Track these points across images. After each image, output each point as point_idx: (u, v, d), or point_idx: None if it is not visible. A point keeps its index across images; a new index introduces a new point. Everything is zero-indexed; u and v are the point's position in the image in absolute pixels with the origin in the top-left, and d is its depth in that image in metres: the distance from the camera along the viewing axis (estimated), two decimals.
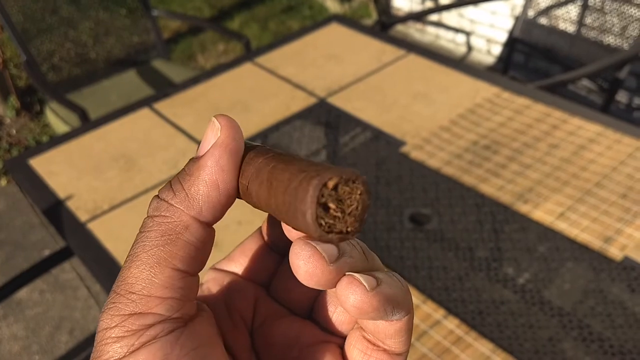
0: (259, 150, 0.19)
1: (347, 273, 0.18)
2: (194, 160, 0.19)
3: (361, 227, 0.17)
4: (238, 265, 0.24)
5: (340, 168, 0.17)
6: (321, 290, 0.22)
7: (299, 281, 0.22)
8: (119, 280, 0.18)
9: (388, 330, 0.19)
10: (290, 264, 0.18)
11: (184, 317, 0.18)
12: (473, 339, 0.72)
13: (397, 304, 0.18)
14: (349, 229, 0.17)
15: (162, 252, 0.18)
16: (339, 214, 0.17)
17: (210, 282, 0.23)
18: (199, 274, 0.20)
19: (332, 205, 0.17)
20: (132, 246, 0.18)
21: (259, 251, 0.24)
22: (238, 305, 0.22)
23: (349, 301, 0.17)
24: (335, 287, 0.18)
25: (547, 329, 0.75)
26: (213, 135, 0.19)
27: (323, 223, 0.17)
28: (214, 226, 0.20)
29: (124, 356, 0.17)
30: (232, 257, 0.24)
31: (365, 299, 0.17)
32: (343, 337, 0.22)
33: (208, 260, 0.20)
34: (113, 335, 0.17)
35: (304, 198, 0.16)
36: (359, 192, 0.17)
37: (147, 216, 0.19)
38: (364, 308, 0.17)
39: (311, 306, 0.23)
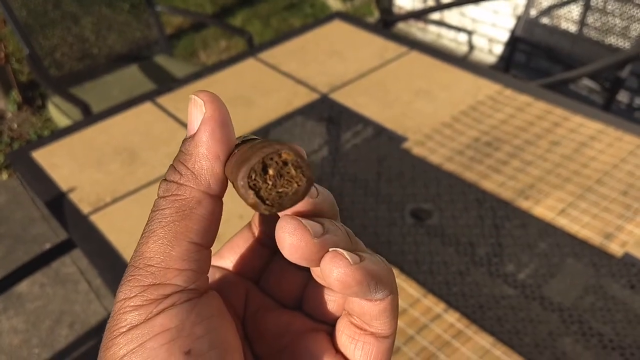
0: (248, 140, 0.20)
1: (331, 249, 0.18)
2: (189, 140, 0.20)
3: (281, 209, 0.18)
4: (227, 262, 0.24)
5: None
6: (309, 281, 0.23)
7: (288, 273, 0.23)
8: (137, 255, 0.19)
9: (373, 310, 0.20)
10: (277, 239, 0.18)
11: (199, 289, 0.19)
12: (473, 333, 0.73)
13: (380, 280, 0.19)
14: (267, 201, 0.18)
15: (179, 226, 0.19)
16: (269, 183, 0.18)
17: None
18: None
19: (271, 172, 0.18)
20: (147, 224, 0.19)
21: (248, 246, 0.24)
22: (230, 298, 0.23)
23: (332, 274, 0.18)
24: (319, 264, 0.18)
25: (547, 323, 0.75)
26: (198, 111, 0.19)
27: (253, 177, 0.18)
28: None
29: (142, 322, 0.18)
30: (222, 253, 0.25)
31: (349, 271, 0.18)
32: (332, 325, 0.22)
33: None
34: (132, 304, 0.18)
35: (253, 154, 0.18)
36: (297, 183, 0.18)
37: (159, 197, 0.19)
38: (347, 281, 0.18)
39: (300, 298, 0.23)
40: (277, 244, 0.19)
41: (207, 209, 0.19)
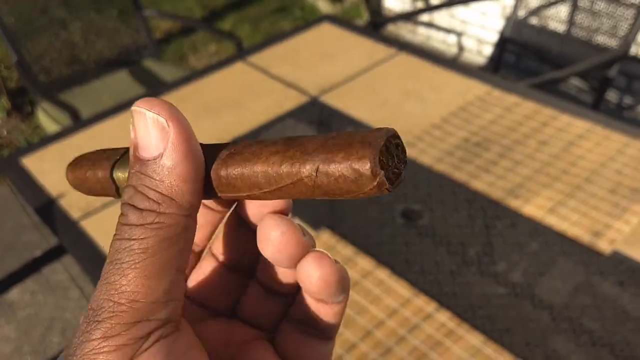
0: (213, 146, 0.19)
1: (312, 249, 0.19)
2: (153, 162, 0.17)
3: (394, 189, 0.17)
4: None
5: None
6: (244, 287, 0.22)
7: (217, 279, 0.22)
8: (114, 289, 0.17)
9: (329, 313, 0.20)
10: (264, 237, 0.18)
11: (177, 320, 0.18)
12: (464, 332, 0.73)
13: (344, 282, 0.19)
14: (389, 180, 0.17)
15: (165, 256, 0.17)
16: (390, 164, 0.17)
17: None
18: None
19: (390, 153, 0.17)
20: (116, 253, 0.17)
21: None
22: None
23: (316, 274, 0.18)
24: (295, 263, 0.18)
25: (538, 322, 0.75)
26: (158, 129, 0.17)
27: (380, 158, 0.17)
28: None
29: None
30: None
31: (333, 271, 0.18)
32: (271, 331, 0.22)
33: None
34: (114, 343, 0.16)
35: (370, 142, 0.16)
36: (403, 165, 0.18)
37: (130, 225, 0.17)
38: (330, 282, 0.18)
39: (233, 304, 0.22)
40: (263, 242, 0.18)
41: (192, 231, 0.18)
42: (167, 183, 0.17)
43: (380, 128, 0.17)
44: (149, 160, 0.18)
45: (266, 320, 0.22)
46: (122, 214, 0.18)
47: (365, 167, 0.16)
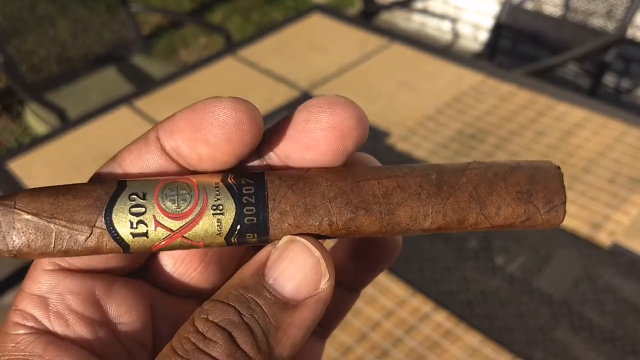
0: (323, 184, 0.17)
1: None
2: (284, 303, 0.15)
3: None
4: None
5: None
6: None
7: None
8: None
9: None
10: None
11: None
12: (463, 331, 0.71)
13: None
14: None
15: None
16: None
17: (61, 298, 0.18)
18: None
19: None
20: None
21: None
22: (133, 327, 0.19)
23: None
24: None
25: (538, 317, 0.74)
26: (315, 274, 0.15)
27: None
28: None
29: None
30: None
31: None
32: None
33: None
34: None
35: (545, 180, 0.17)
36: None
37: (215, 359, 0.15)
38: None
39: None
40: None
41: None
42: (286, 333, 0.15)
43: (548, 167, 0.17)
44: (279, 300, 0.15)
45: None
46: (202, 335, 0.15)
47: (558, 220, 0.17)
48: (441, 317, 0.73)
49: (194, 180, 0.17)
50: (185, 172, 0.18)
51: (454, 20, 2.48)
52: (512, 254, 0.82)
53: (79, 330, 0.18)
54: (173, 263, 0.20)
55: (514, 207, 0.17)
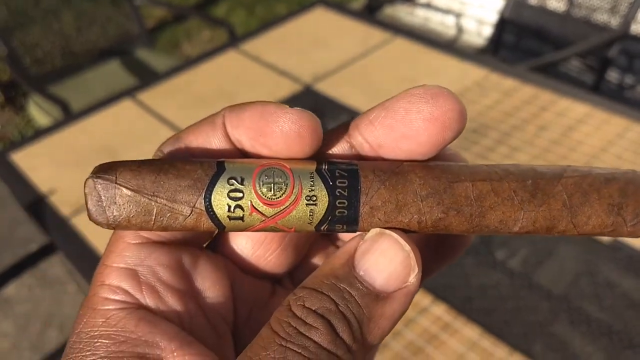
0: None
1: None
2: (375, 298, 0.16)
3: None
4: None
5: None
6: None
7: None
8: None
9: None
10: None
11: None
12: (462, 324, 0.72)
13: None
14: None
15: None
16: None
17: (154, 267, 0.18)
18: None
19: None
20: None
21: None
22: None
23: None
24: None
25: (537, 312, 0.74)
26: (405, 268, 0.16)
27: None
28: None
29: None
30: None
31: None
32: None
33: None
34: None
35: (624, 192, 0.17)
36: None
37: (318, 344, 0.15)
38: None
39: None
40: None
41: None
42: (377, 324, 0.16)
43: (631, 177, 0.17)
44: (371, 291, 0.16)
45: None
46: (302, 321, 0.15)
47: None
48: (440, 310, 0.74)
49: (288, 167, 0.17)
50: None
51: (457, 15, 2.47)
52: (513, 248, 0.82)
53: (170, 302, 0.18)
54: (252, 245, 0.20)
55: (603, 218, 0.17)
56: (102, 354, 0.16)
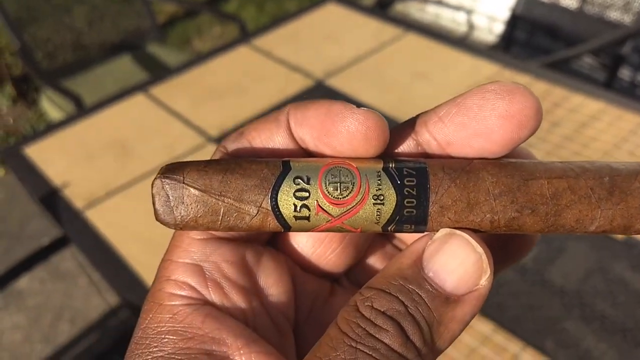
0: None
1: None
2: (445, 301, 0.15)
3: None
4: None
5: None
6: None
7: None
8: None
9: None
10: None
11: None
12: (475, 319, 0.72)
13: None
14: None
15: None
16: None
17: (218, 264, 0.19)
18: None
19: None
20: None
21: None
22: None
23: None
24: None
25: (549, 308, 0.74)
26: (477, 270, 0.15)
27: None
28: None
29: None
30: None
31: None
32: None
33: None
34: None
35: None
36: None
37: (389, 347, 0.15)
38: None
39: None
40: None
41: None
42: (447, 328, 0.15)
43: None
44: (441, 293, 0.15)
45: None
46: (371, 322, 0.15)
47: None
48: None
49: (354, 166, 0.17)
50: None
51: (469, 12, 2.46)
52: None
53: (234, 298, 0.18)
54: (312, 243, 0.20)
55: None
56: (170, 350, 0.16)
